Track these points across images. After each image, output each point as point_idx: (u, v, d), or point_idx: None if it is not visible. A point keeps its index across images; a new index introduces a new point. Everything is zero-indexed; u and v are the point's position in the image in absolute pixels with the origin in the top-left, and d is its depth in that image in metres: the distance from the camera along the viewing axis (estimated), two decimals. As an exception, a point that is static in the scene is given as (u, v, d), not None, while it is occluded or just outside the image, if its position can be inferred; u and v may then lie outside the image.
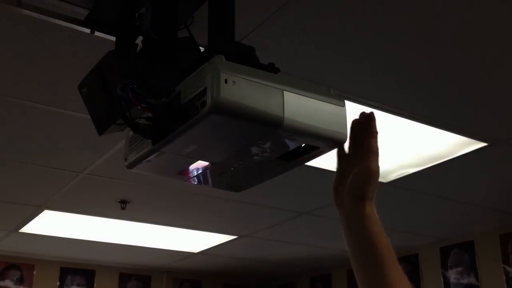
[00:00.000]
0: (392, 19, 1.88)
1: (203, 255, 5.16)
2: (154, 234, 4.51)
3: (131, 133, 1.18)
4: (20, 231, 4.37)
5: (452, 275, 4.55)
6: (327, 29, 1.94)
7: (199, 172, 1.17)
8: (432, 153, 2.98)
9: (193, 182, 1.22)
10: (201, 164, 1.13)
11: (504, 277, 4.19)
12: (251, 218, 4.09)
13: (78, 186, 3.41)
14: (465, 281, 4.45)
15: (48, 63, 2.13)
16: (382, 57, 2.11)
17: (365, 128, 1.08)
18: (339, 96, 1.11)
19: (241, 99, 0.97)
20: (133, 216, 4.02)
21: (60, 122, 2.60)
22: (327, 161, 2.40)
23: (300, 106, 1.03)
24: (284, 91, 1.02)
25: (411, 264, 4.80)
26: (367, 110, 2.44)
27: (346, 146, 1.11)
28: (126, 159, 1.19)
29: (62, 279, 5.37)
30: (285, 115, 1.00)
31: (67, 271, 5.40)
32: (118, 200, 3.69)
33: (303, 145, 1.07)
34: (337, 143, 1.07)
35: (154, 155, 1.11)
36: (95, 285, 5.49)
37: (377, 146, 1.06)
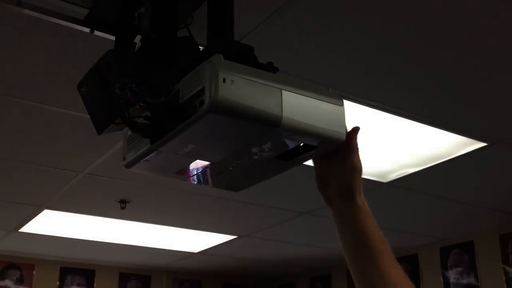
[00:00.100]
0: (392, 19, 1.88)
1: (203, 255, 5.16)
2: (154, 234, 4.51)
3: (129, 132, 1.18)
4: (19, 230, 4.37)
5: (452, 275, 4.55)
6: (327, 29, 1.94)
7: (197, 172, 1.17)
8: (431, 153, 2.98)
9: (191, 182, 1.22)
10: (199, 163, 1.13)
11: (504, 277, 4.19)
12: (251, 218, 4.09)
13: (78, 186, 3.42)
14: (465, 281, 4.45)
15: (48, 62, 2.13)
16: (382, 57, 2.11)
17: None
18: (338, 95, 1.10)
19: (239, 98, 0.97)
20: (133, 216, 4.02)
21: (60, 121, 2.60)
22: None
23: (298, 106, 1.03)
24: (282, 91, 1.02)
25: (410, 264, 4.80)
26: (367, 110, 2.46)
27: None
28: (124, 158, 1.19)
29: (62, 279, 5.37)
30: (283, 114, 1.00)
31: (67, 271, 5.40)
32: (118, 200, 3.69)
33: (301, 144, 1.07)
34: (335, 143, 1.07)
35: (152, 154, 1.10)
36: (95, 285, 5.49)
37: (356, 143, 1.09)
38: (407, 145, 2.90)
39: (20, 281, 5.20)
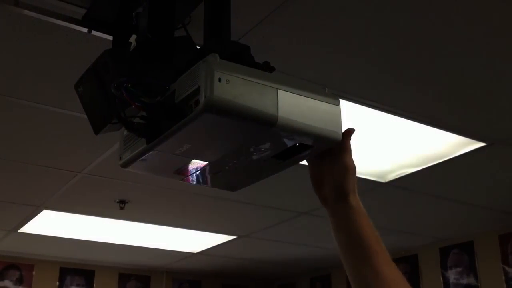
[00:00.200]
0: (392, 18, 1.88)
1: (203, 255, 5.16)
2: (154, 234, 4.51)
3: (125, 132, 1.18)
4: (19, 231, 4.37)
5: (452, 275, 4.55)
6: (325, 28, 1.93)
7: (194, 171, 1.16)
8: (431, 153, 2.97)
9: (189, 182, 1.22)
10: (195, 163, 1.13)
11: (504, 278, 4.18)
12: (251, 218, 4.09)
13: (77, 186, 3.41)
14: (465, 281, 4.44)
15: (45, 62, 2.13)
16: (382, 56, 2.10)
17: None
18: (334, 95, 1.10)
19: (235, 98, 0.97)
20: (132, 216, 4.02)
21: (58, 121, 2.60)
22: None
23: (294, 105, 1.03)
24: (278, 90, 1.02)
25: (410, 264, 4.79)
26: (367, 110, 2.46)
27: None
28: (120, 158, 1.18)
29: (61, 279, 5.37)
30: (279, 114, 1.00)
31: (66, 271, 5.40)
32: (117, 200, 3.69)
33: (297, 144, 1.07)
34: (331, 142, 1.07)
35: (148, 154, 1.10)
36: (94, 285, 5.49)
37: (350, 143, 1.09)
38: (406, 145, 2.90)
39: (19, 281, 5.20)
